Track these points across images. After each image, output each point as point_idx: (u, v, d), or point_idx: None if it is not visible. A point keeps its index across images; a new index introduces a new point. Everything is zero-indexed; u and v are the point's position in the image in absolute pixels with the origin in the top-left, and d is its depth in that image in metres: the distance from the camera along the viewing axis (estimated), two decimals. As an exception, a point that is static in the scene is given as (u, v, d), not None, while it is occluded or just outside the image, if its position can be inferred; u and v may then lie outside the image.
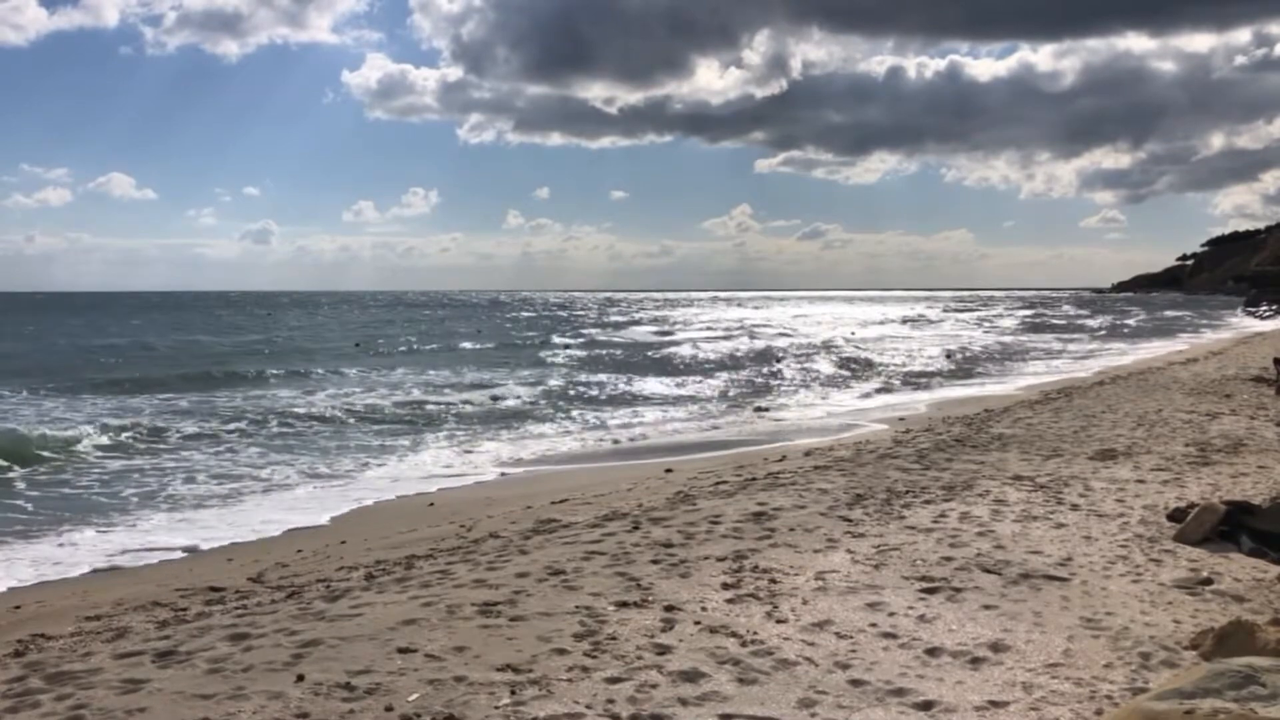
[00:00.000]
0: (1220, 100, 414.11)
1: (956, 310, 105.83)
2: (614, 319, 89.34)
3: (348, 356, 40.85)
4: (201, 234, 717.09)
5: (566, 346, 47.58)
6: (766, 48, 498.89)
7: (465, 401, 23.04)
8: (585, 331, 63.93)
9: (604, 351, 43.68)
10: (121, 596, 7.63)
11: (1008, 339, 51.50)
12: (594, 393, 25.47)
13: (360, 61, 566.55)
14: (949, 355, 38.23)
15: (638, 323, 79.80)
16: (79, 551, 9.71)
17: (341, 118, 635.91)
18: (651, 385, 27.21)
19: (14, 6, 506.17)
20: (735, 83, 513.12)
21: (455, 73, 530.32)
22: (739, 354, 40.34)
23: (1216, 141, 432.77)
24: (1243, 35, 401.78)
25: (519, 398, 24.17)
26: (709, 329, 65.58)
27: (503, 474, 13.97)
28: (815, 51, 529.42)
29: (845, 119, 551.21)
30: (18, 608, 7.62)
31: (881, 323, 74.64)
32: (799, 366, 33.54)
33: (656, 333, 62.33)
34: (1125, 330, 59.93)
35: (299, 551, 9.20)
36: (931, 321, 76.37)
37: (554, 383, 27.85)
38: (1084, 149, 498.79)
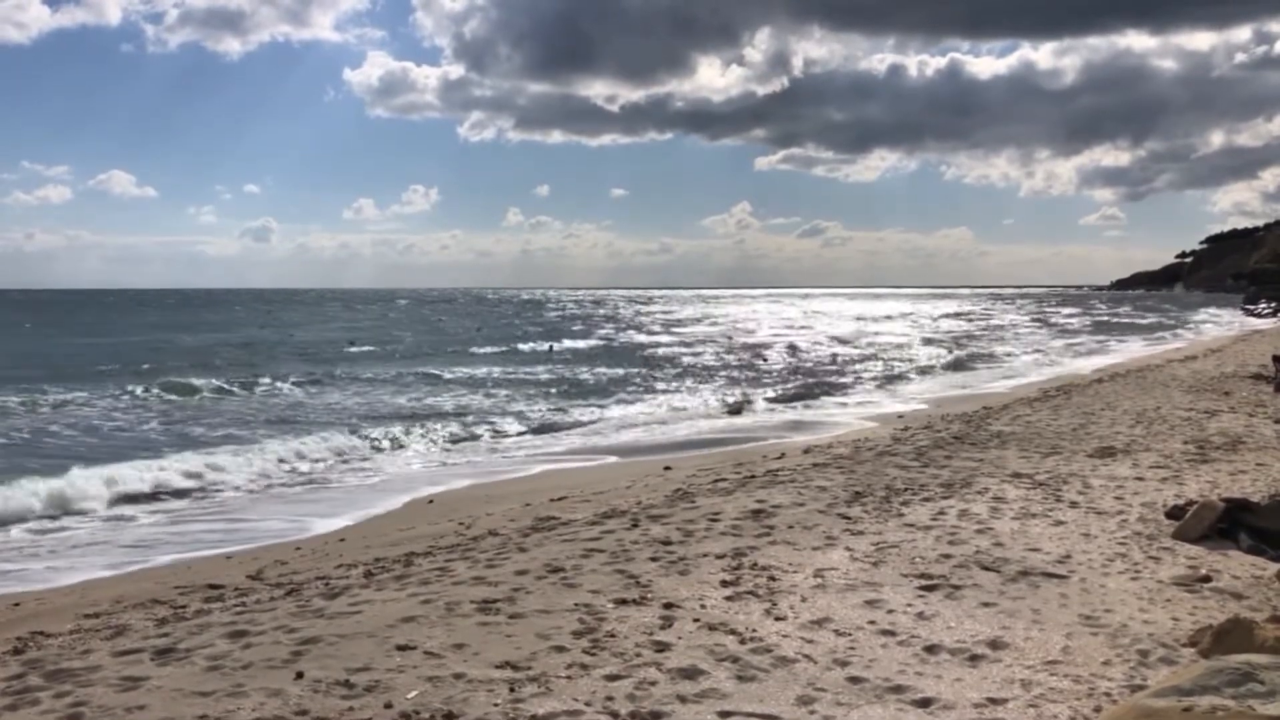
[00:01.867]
0: (1220, 98, 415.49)
1: (984, 308, 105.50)
2: (663, 317, 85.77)
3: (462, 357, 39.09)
4: (201, 231, 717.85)
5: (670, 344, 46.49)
6: (768, 46, 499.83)
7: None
8: (652, 330, 62.44)
9: (713, 350, 41.86)
10: (120, 594, 7.63)
11: (1101, 338, 49.59)
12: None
13: (362, 59, 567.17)
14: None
15: (687, 321, 76.06)
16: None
17: (343, 115, 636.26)
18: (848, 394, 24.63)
19: (16, 4, 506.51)
20: (736, 80, 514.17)
21: (457, 70, 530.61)
22: (864, 353, 38.71)
23: (1216, 139, 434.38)
24: (1243, 33, 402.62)
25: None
26: (782, 328, 62.42)
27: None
28: (816, 49, 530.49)
29: (846, 117, 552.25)
30: (17, 605, 7.63)
31: (940, 318, 75.22)
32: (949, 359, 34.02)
33: (731, 333, 58.58)
34: (1192, 324, 60.74)
35: (298, 549, 9.21)
36: (978, 318, 76.30)
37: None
38: (1084, 147, 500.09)
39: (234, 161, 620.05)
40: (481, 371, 31.65)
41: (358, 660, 5.15)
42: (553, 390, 25.78)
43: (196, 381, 26.69)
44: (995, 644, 5.35)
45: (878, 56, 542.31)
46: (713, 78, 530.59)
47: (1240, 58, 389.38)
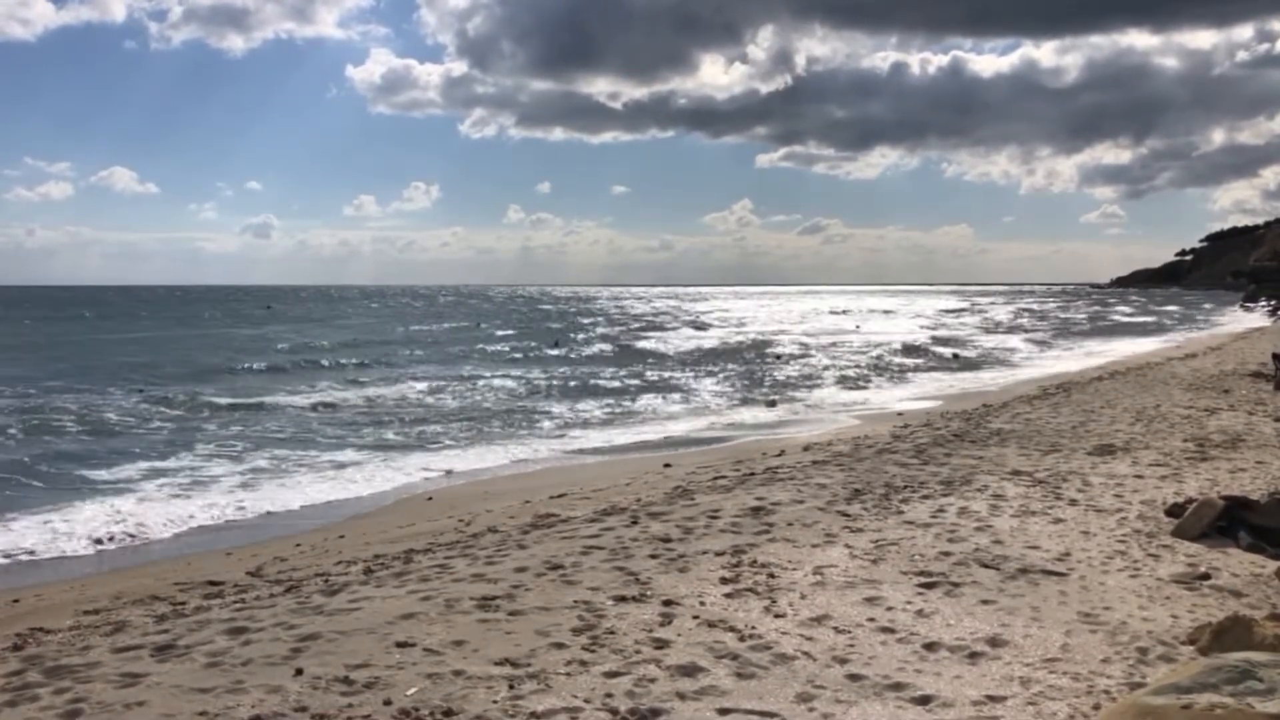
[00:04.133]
0: (1221, 96, 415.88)
1: (1027, 304, 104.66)
2: (721, 314, 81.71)
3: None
4: (202, 228, 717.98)
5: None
6: (770, 44, 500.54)
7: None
8: (735, 327, 60.02)
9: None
10: (120, 590, 7.63)
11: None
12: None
13: (365, 56, 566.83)
14: None
15: (747, 320, 71.03)
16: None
17: (345, 112, 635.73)
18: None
19: (21, 1, 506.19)
20: (739, 78, 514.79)
21: (459, 68, 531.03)
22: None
23: (1217, 137, 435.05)
24: (1244, 31, 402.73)
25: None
26: (865, 327, 59.37)
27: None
28: (819, 47, 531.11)
29: (848, 114, 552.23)
30: (16, 601, 7.63)
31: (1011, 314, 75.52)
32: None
33: (817, 331, 55.07)
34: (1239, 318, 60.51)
35: (297, 545, 9.21)
36: (1045, 315, 75.82)
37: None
38: (1085, 145, 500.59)
39: (236, 158, 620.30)
40: (681, 376, 29.42)
41: (357, 657, 5.15)
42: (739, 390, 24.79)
43: (420, 387, 25.49)
44: (994, 641, 5.35)
45: (880, 54, 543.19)
46: (716, 75, 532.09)
47: (1241, 56, 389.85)
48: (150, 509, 11.41)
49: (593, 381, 27.26)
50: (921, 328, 58.25)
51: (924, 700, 4.58)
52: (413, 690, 4.69)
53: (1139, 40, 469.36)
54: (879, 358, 35.37)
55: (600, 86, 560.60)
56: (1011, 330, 55.83)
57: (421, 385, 26.15)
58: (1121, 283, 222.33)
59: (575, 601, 6.07)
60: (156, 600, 7.08)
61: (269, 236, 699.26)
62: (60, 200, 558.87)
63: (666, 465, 12.84)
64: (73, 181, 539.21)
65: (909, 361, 33.70)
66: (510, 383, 26.98)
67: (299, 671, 4.95)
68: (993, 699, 4.59)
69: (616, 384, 26.90)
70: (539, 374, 29.86)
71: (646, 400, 22.85)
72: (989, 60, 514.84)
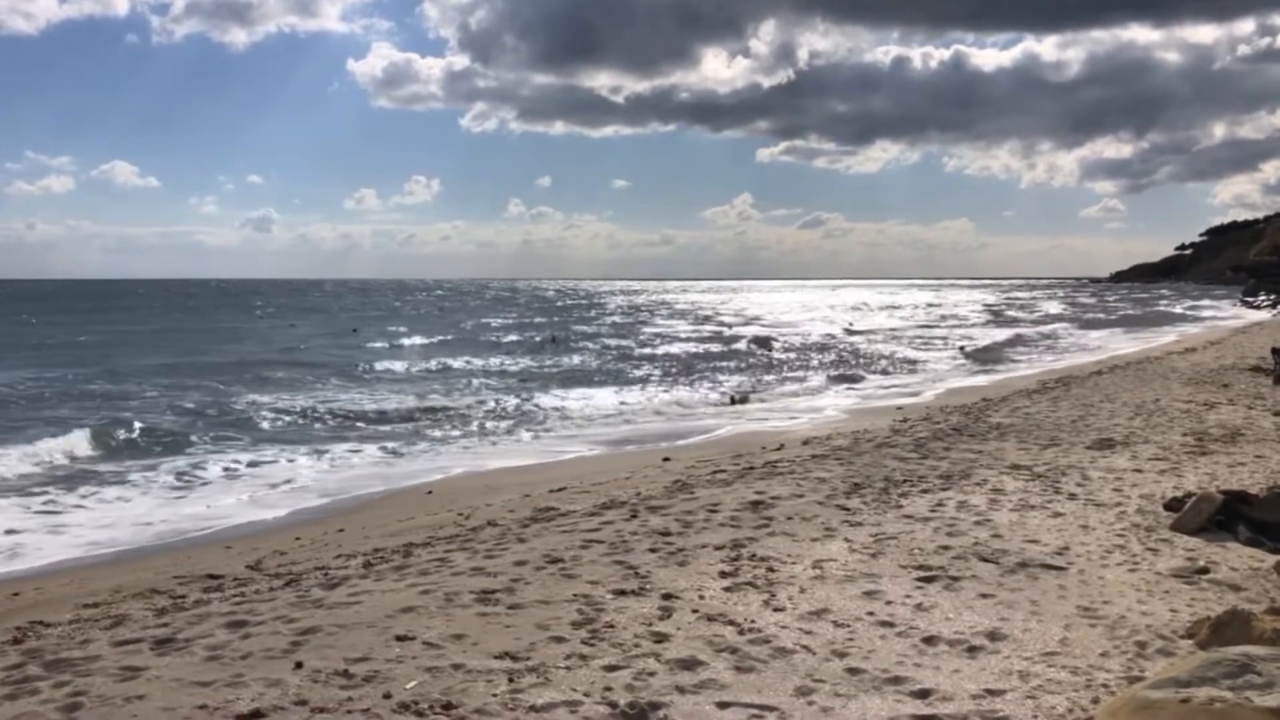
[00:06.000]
0: (1222, 91, 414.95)
1: (1070, 298, 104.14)
2: (771, 312, 76.41)
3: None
4: (202, 222, 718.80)
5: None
6: (773, 38, 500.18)
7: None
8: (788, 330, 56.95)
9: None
10: (120, 584, 7.63)
11: None
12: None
13: (367, 50, 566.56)
14: None
15: (799, 317, 66.15)
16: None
17: (346, 106, 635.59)
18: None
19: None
20: (741, 72, 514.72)
21: (461, 61, 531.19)
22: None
23: (1218, 131, 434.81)
24: (1245, 26, 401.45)
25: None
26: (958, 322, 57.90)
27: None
28: (821, 42, 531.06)
29: (849, 108, 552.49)
30: (16, 595, 7.63)
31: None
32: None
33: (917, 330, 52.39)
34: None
35: (297, 539, 9.21)
36: (1093, 308, 75.26)
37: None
38: (1086, 139, 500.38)
39: (237, 152, 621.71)
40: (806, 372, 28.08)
41: (357, 650, 5.15)
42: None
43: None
44: (993, 635, 5.36)
45: (882, 49, 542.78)
46: (718, 69, 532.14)
47: (1243, 50, 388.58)
48: (152, 504, 11.49)
49: (709, 382, 25.92)
50: (999, 325, 55.94)
51: (923, 694, 4.59)
52: (412, 684, 4.70)
53: (1140, 35, 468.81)
54: (985, 349, 35.85)
55: (602, 80, 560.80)
56: (1091, 325, 53.88)
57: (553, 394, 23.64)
58: (1120, 277, 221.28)
59: (575, 595, 6.07)
60: (156, 594, 7.08)
61: (269, 230, 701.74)
62: (61, 194, 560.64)
63: (666, 459, 12.84)
64: (74, 175, 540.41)
65: (1018, 355, 34.03)
66: (623, 385, 25.27)
67: (298, 665, 4.95)
68: (992, 692, 4.60)
69: (740, 379, 26.25)
70: (647, 373, 29.18)
71: (772, 401, 21.55)
72: (990, 55, 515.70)
